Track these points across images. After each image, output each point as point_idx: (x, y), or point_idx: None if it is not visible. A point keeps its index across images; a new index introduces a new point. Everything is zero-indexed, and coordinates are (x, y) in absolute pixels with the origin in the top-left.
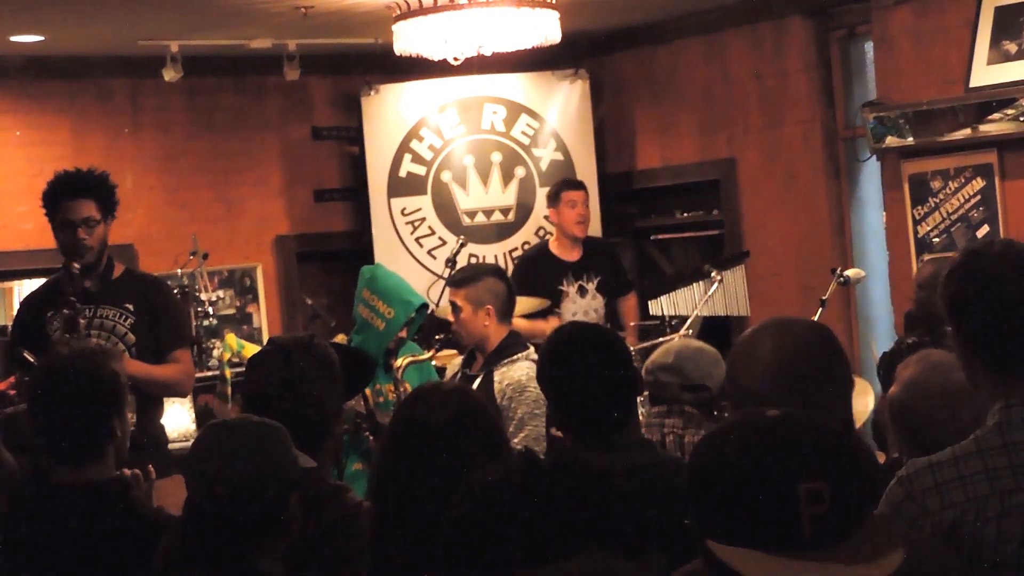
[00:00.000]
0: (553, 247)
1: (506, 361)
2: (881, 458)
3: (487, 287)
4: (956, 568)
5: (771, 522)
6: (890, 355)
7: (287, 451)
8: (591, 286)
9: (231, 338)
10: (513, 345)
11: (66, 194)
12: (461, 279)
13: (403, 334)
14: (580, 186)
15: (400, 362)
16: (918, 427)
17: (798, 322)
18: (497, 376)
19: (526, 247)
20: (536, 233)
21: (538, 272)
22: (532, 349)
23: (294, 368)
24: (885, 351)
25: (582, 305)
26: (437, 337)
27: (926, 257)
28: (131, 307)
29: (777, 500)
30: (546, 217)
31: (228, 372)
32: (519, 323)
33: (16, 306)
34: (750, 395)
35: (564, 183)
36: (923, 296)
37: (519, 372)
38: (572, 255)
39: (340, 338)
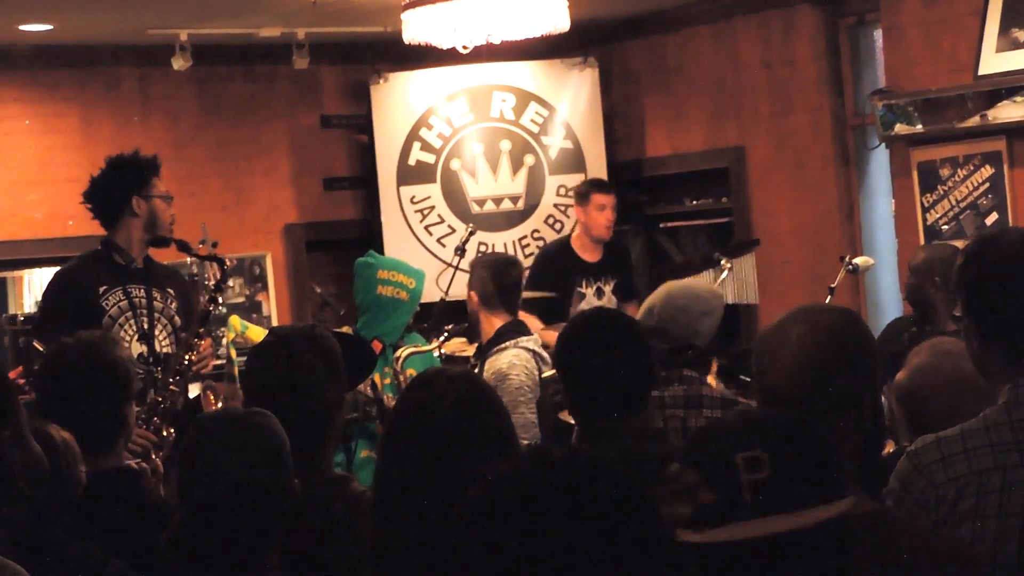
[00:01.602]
0: (575, 245)
1: (495, 351)
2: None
3: (476, 274)
4: (974, 565)
5: (717, 495)
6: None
7: (281, 439)
8: (608, 288)
9: (235, 320)
10: (505, 334)
11: (157, 171)
12: (472, 261)
13: None
14: (610, 189)
15: (401, 352)
16: (920, 412)
17: (824, 309)
18: (486, 366)
19: (535, 235)
20: (545, 221)
21: (557, 269)
22: (526, 338)
23: (295, 359)
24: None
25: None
26: (446, 328)
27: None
28: (172, 291)
29: (717, 471)
30: (558, 206)
31: (233, 353)
32: (533, 325)
33: (27, 295)
34: (776, 389)
35: (594, 184)
36: (915, 282)
37: (502, 361)
38: (593, 256)
39: (345, 329)
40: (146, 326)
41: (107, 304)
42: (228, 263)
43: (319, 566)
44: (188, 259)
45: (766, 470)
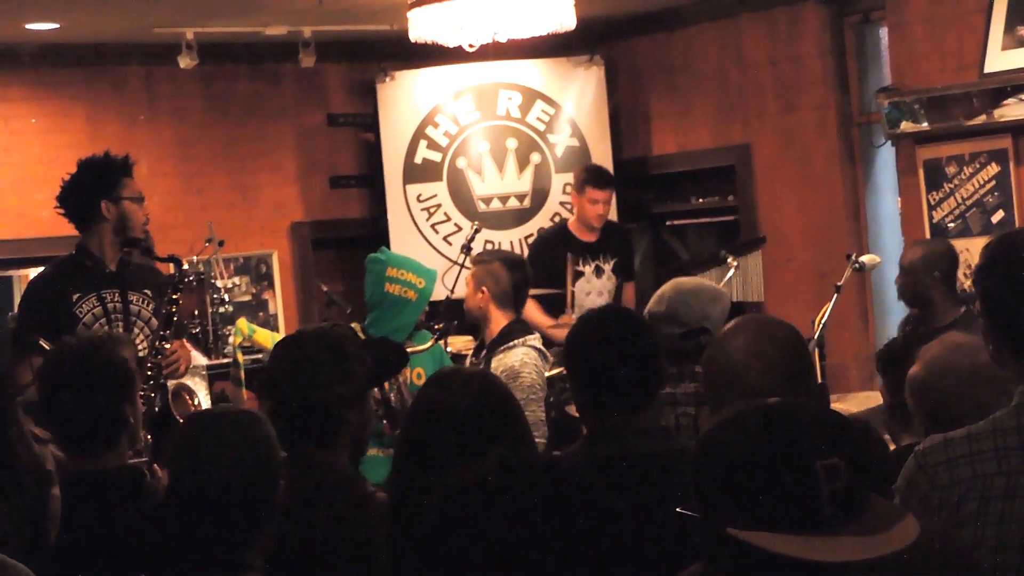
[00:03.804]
0: (572, 227)
1: (503, 348)
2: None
3: (490, 271)
4: (957, 559)
5: (792, 502)
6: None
7: (268, 438)
8: (608, 267)
9: (242, 323)
10: (512, 332)
11: (129, 172)
12: (477, 259)
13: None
14: (607, 184)
15: None
16: (936, 404)
17: (773, 319)
18: (494, 363)
19: (541, 233)
20: (551, 219)
21: (555, 251)
22: (532, 337)
23: (300, 355)
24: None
25: (596, 285)
26: (436, 327)
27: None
28: (149, 292)
29: (796, 479)
30: (564, 204)
31: (240, 356)
32: (535, 318)
33: None
34: (738, 385)
35: (592, 178)
36: (911, 279)
37: (513, 358)
38: (590, 236)
39: (354, 326)
40: (121, 331)
41: (80, 312)
42: (186, 264)
43: (324, 565)
44: (194, 257)
45: (845, 479)
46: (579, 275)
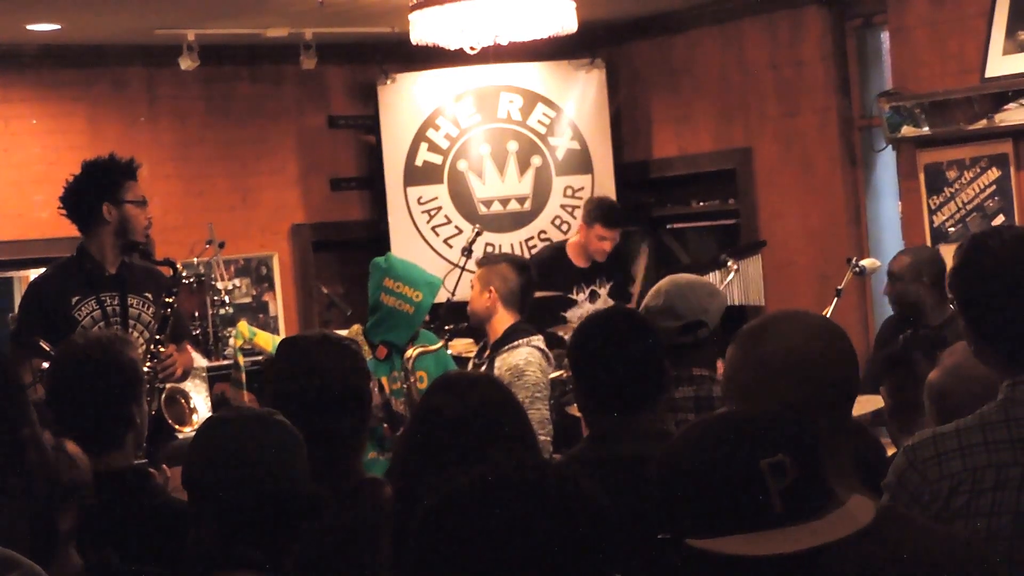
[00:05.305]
0: (570, 251)
1: (507, 348)
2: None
3: (498, 271)
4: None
5: (742, 503)
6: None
7: (300, 438)
8: (603, 291)
9: (243, 325)
10: (517, 332)
11: (132, 175)
12: (483, 260)
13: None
14: (618, 224)
15: (411, 352)
16: (953, 413)
17: (808, 312)
18: (498, 362)
19: (542, 236)
20: (552, 222)
21: (551, 275)
22: (537, 337)
23: (328, 360)
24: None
25: (592, 311)
26: (447, 328)
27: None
28: (150, 296)
29: (742, 480)
30: (565, 207)
31: (241, 359)
32: None
33: None
34: (767, 387)
35: (605, 216)
36: (902, 287)
37: (517, 357)
38: (586, 261)
39: (356, 328)
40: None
41: (80, 315)
42: (181, 268)
43: (348, 569)
44: (195, 259)
45: (791, 475)
46: (572, 303)
